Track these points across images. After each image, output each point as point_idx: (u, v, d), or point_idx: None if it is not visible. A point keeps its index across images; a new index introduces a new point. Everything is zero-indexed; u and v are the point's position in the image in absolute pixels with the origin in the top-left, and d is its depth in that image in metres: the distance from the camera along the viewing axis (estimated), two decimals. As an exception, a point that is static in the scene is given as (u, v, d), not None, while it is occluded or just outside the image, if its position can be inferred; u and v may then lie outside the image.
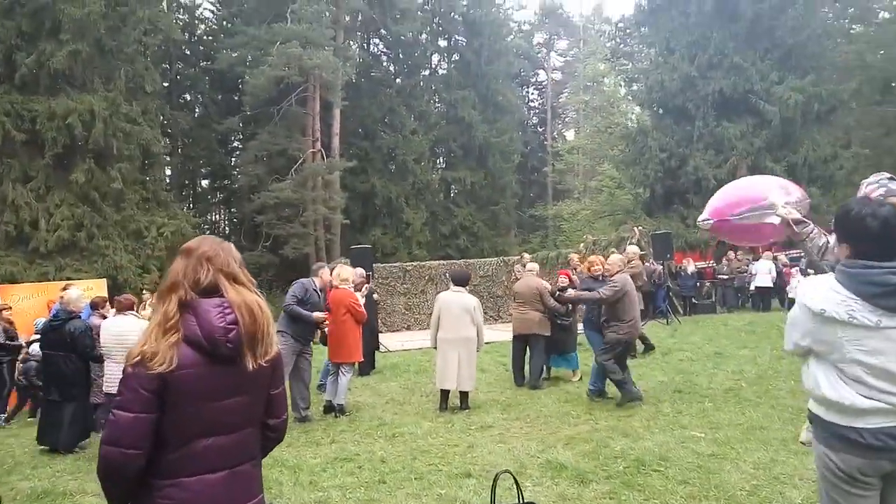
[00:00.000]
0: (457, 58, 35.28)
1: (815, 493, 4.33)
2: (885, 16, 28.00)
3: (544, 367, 9.00)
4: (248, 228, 28.72)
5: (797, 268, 15.57)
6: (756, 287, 16.57)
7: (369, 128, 31.14)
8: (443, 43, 35.85)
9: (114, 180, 19.49)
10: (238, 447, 1.98)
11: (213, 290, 1.95)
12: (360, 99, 30.07)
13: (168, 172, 27.67)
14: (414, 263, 19.71)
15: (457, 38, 35.20)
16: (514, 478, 3.69)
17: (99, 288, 11.46)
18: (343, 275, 7.76)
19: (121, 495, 1.91)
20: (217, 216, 35.00)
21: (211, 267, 1.96)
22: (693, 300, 17.11)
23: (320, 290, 7.49)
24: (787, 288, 15.53)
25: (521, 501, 3.66)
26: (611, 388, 7.71)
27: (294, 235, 25.50)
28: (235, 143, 32.78)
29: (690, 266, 17.29)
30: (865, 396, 2.23)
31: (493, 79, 33.85)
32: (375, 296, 10.32)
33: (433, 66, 36.47)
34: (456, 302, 7.62)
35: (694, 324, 14.56)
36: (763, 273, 16.33)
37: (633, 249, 11.05)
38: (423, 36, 34.04)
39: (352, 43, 31.71)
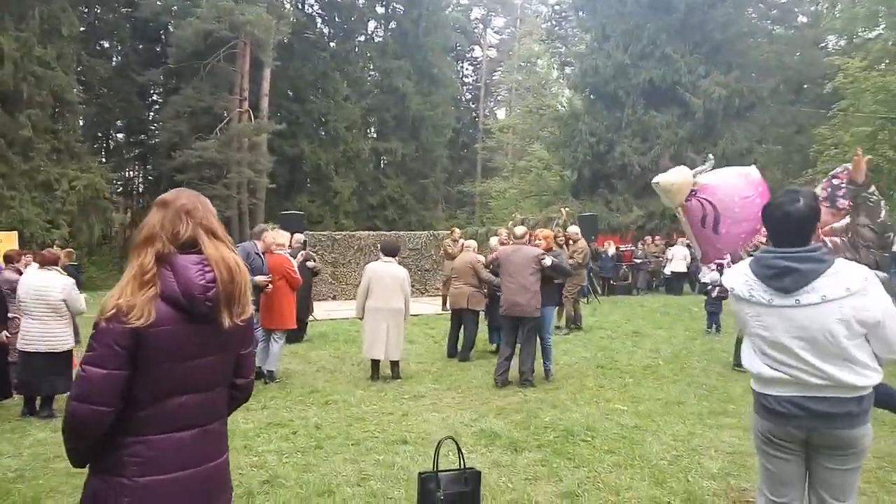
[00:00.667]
0: (394, 26, 34.77)
1: (730, 463, 4.70)
2: (804, 20, 29.59)
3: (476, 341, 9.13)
4: (167, 187, 27.43)
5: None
6: (672, 272, 17.39)
7: (300, 91, 30.34)
8: (380, 9, 35.18)
9: (23, 127, 18.27)
10: (209, 406, 1.95)
11: (190, 245, 1.89)
12: (292, 60, 29.18)
13: (81, 123, 26.04)
14: (343, 233, 19.48)
15: (395, 5, 34.61)
16: (457, 444, 3.81)
17: (9, 241, 10.76)
18: (279, 239, 7.63)
19: (85, 452, 1.86)
20: (132, 172, 33.26)
21: (190, 220, 1.90)
22: (612, 281, 17.81)
23: (263, 254, 7.32)
24: (700, 275, 16.37)
25: (463, 467, 3.78)
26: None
27: (216, 197, 24.53)
28: (155, 97, 31.17)
29: (611, 248, 17.92)
30: (770, 367, 2.49)
31: (429, 50, 33.56)
32: (311, 263, 10.15)
33: (369, 32, 35.82)
34: (386, 272, 7.63)
35: (612, 304, 15.17)
36: (678, 258, 17.19)
37: (574, 230, 11.31)
38: (361, 1, 33.30)
39: (286, 1, 30.61)
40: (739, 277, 2.54)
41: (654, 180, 4.78)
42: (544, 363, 7.56)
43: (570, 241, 10.84)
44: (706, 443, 5.18)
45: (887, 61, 19.63)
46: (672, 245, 18.61)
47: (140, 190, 32.92)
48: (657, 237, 19.39)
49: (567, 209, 18.24)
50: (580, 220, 16.01)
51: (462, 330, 8.95)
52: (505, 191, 33.68)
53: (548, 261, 7.23)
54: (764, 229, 2.78)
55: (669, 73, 21.52)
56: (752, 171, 4.57)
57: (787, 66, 26.64)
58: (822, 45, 28.12)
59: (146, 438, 1.82)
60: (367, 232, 20.10)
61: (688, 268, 17.20)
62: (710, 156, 4.63)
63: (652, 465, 4.66)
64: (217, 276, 1.85)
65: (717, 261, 4.47)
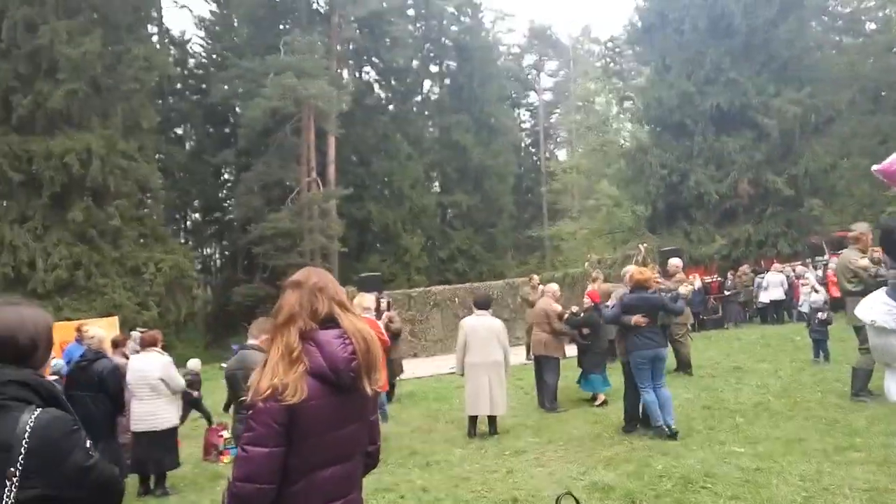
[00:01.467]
0: (448, 82, 35.63)
1: (868, 501, 4.28)
2: (872, 27, 28.50)
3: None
4: (244, 260, 28.61)
5: (806, 281, 15.58)
6: (770, 300, 16.49)
7: (364, 155, 31.24)
8: (434, 68, 36.23)
9: (111, 217, 19.43)
10: (350, 476, 2.01)
11: (327, 320, 1.98)
12: (354, 126, 30.21)
13: (162, 207, 27.66)
14: (419, 289, 19.59)
15: (448, 63, 35.59)
16: (576, 499, 3.61)
17: (111, 326, 11.32)
18: (364, 303, 7.68)
19: None
20: (209, 249, 34.85)
21: (325, 297, 2.00)
22: (701, 316, 17.02)
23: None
24: (800, 300, 15.52)
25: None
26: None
27: (292, 265, 25.22)
28: (227, 176, 32.82)
29: (697, 281, 17.18)
30: None
31: (485, 102, 34.14)
32: (394, 325, 10.19)
33: (426, 91, 36.82)
34: (482, 326, 7.57)
35: (706, 339, 14.49)
36: (775, 285, 16.27)
37: (676, 262, 10.80)
38: (415, 62, 34.39)
39: (345, 72, 31.93)
40: (879, 308, 2.35)
41: (873, 168, 4.47)
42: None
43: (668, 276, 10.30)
44: (837, 481, 4.73)
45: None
46: (761, 272, 17.77)
47: (218, 265, 34.38)
48: (745, 265, 18.54)
49: (645, 245, 17.83)
50: (662, 254, 15.51)
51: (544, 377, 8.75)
52: (575, 232, 33.29)
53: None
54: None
55: (737, 97, 20.95)
56: None
57: (862, 75, 25.57)
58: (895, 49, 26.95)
59: None
60: (441, 287, 20.16)
61: (786, 294, 16.29)
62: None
63: (786, 511, 4.29)
64: (356, 348, 1.93)
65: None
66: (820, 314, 9.92)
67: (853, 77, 25.07)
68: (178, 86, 30.74)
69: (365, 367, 1.94)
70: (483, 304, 7.84)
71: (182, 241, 28.70)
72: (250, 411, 1.87)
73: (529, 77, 46.38)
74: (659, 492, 4.92)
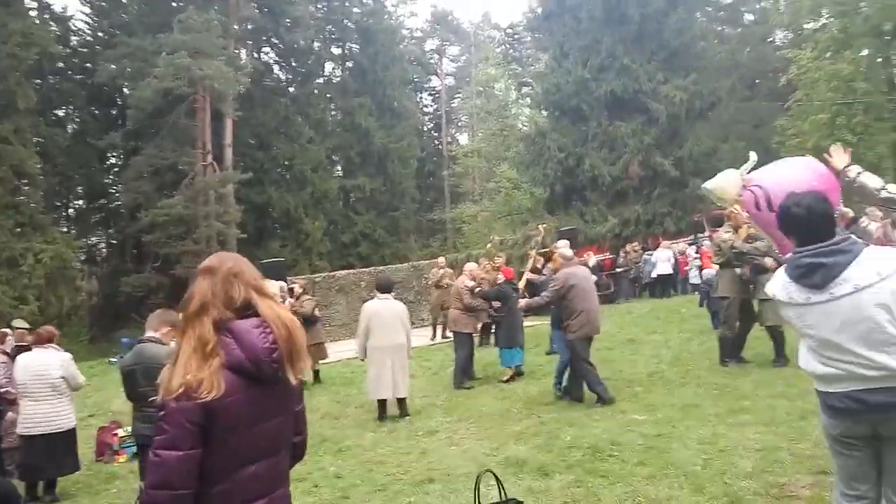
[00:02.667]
0: (351, 65, 35.04)
1: (762, 460, 4.64)
2: (750, 17, 30.56)
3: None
4: (132, 249, 27.08)
5: (692, 256, 16.65)
6: (658, 275, 17.48)
7: (264, 138, 30.19)
8: (336, 51, 35.50)
9: (-16, 205, 17.77)
10: (276, 471, 1.89)
11: (244, 308, 1.83)
12: (253, 109, 29.13)
13: (41, 194, 25.63)
14: (322, 274, 19.28)
15: (350, 45, 34.95)
16: (496, 476, 3.69)
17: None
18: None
19: None
20: (95, 238, 32.62)
21: (240, 283, 1.85)
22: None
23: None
24: (689, 275, 16.56)
25: (505, 499, 3.65)
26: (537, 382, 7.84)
27: (186, 253, 24.15)
28: (113, 160, 30.79)
29: (591, 259, 17.92)
30: (823, 364, 2.45)
31: (388, 85, 33.81)
32: (304, 308, 10.01)
33: (327, 73, 35.98)
34: (385, 309, 7.55)
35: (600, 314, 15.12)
36: (663, 261, 17.31)
37: (563, 243, 11.20)
38: (316, 44, 33.53)
39: (243, 52, 30.66)
40: (777, 283, 2.56)
41: (703, 185, 4.73)
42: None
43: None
44: (733, 443, 5.11)
45: (835, 49, 20.27)
46: (649, 250, 18.78)
47: (104, 255, 32.27)
48: (635, 244, 19.55)
49: (545, 225, 18.34)
50: (560, 234, 16.03)
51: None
52: (476, 214, 33.79)
53: None
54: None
55: (630, 83, 21.89)
56: (810, 159, 4.45)
57: (740, 64, 27.37)
58: (770, 39, 29.05)
59: None
60: (345, 271, 19.93)
61: (673, 269, 17.31)
62: (753, 153, 4.59)
63: (686, 472, 4.58)
64: (277, 336, 1.80)
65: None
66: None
67: (733, 65, 26.82)
68: (60, 65, 28.34)
69: (287, 356, 1.81)
70: (385, 287, 7.83)
71: (64, 230, 26.64)
72: (161, 412, 1.72)
73: (432, 62, 46.43)
74: (570, 462, 5.11)
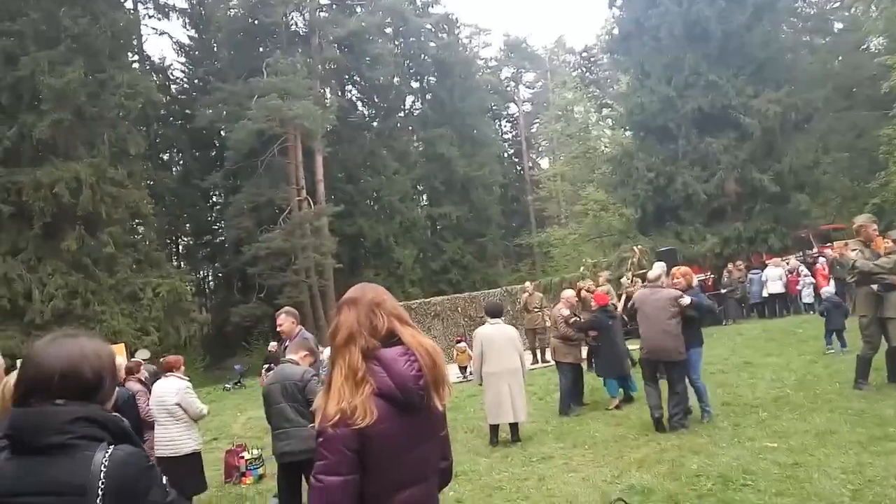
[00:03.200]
0: (430, 97, 35.94)
1: (917, 490, 4.33)
2: (840, 26, 29.25)
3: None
4: (239, 281, 28.47)
5: (804, 274, 15.86)
6: (769, 294, 16.67)
7: (352, 172, 31.33)
8: (415, 84, 36.56)
9: (105, 245, 19.24)
10: (426, 496, 1.93)
11: (388, 337, 1.90)
12: (340, 144, 30.33)
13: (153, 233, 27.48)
14: (418, 301, 19.62)
15: (428, 78, 35.93)
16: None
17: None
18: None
19: None
20: (203, 272, 34.63)
21: (383, 313, 1.92)
22: (700, 314, 17.14)
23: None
24: (802, 293, 15.80)
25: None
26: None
27: (287, 284, 25.30)
28: (216, 198, 32.72)
29: (693, 280, 17.39)
30: None
31: (466, 115, 34.46)
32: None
33: (408, 107, 37.04)
34: (498, 334, 7.57)
35: (707, 336, 14.47)
36: (774, 279, 16.45)
37: (660, 265, 10.97)
38: (396, 79, 34.59)
39: (328, 91, 32.04)
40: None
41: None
42: (701, 405, 7.23)
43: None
44: (881, 472, 4.79)
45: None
46: (753, 268, 17.96)
47: (212, 287, 34.18)
48: (738, 262, 18.75)
49: (640, 247, 17.98)
50: (658, 255, 15.65)
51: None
52: (564, 237, 33.51)
53: (686, 300, 6.96)
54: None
55: (718, 98, 21.26)
56: None
57: (834, 73, 26.21)
58: (864, 47, 27.66)
59: None
60: (441, 297, 20.18)
61: (785, 287, 16.49)
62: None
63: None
64: (422, 364, 1.85)
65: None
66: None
67: (826, 75, 25.72)
68: (163, 112, 30.63)
69: (433, 382, 1.86)
70: (496, 312, 7.85)
71: (175, 264, 28.48)
72: (320, 439, 1.80)
73: (508, 89, 46.83)
74: (700, 492, 4.93)
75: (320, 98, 28.59)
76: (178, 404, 6.33)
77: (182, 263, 30.46)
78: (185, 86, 32.37)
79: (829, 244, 16.95)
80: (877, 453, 5.22)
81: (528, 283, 15.30)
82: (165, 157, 31.85)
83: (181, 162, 31.73)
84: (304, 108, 24.49)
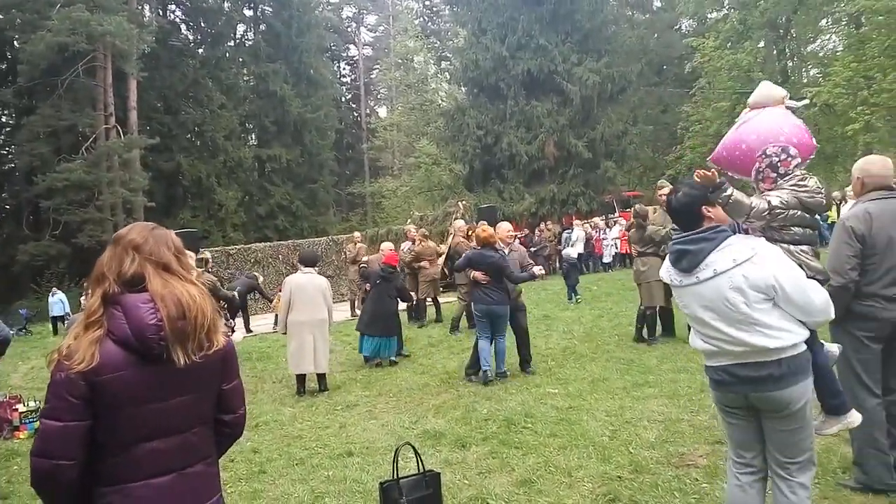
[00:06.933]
0: (264, 28, 33.92)
1: (664, 430, 4.98)
2: (658, 5, 31.68)
3: None
4: (30, 215, 25.37)
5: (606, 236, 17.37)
6: (578, 254, 18.04)
7: (171, 102, 28.87)
8: (248, 12, 34.23)
9: None
10: (185, 448, 1.87)
11: (139, 282, 1.80)
12: (158, 70, 27.76)
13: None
14: (237, 246, 18.80)
15: (263, 7, 33.74)
16: (415, 449, 3.81)
17: None
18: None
19: None
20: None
21: (137, 256, 1.82)
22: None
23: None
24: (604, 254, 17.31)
25: (423, 471, 3.77)
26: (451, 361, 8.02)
27: (89, 221, 22.98)
28: (4, 118, 28.72)
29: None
30: (703, 340, 2.75)
31: (303, 52, 33.01)
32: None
33: (239, 36, 34.65)
34: (308, 283, 7.48)
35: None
36: (581, 241, 17.84)
37: (459, 224, 11.66)
38: (227, 4, 32.24)
39: (146, 8, 28.98)
40: (664, 267, 2.80)
41: (749, 99, 4.58)
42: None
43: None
44: (637, 415, 5.43)
45: (735, 39, 21.42)
46: (566, 228, 19.32)
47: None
48: (550, 222, 20.08)
49: (464, 202, 18.57)
50: (480, 211, 16.25)
51: None
52: (396, 189, 33.69)
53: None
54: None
55: (546, 63, 22.28)
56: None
57: (649, 49, 28.41)
58: (677, 27, 30.27)
59: (123, 487, 1.77)
60: (262, 244, 19.49)
61: (587, 248, 17.93)
62: (805, 100, 4.65)
63: (595, 443, 4.85)
64: (166, 314, 1.76)
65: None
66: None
67: (642, 50, 27.86)
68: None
69: (176, 335, 1.75)
70: (309, 261, 7.74)
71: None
72: (50, 382, 1.72)
73: (349, 29, 45.50)
74: (486, 434, 5.29)
75: (137, 14, 25.81)
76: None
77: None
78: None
79: (628, 209, 18.68)
80: (637, 398, 5.92)
81: (356, 234, 15.16)
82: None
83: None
84: (116, 24, 22.00)
